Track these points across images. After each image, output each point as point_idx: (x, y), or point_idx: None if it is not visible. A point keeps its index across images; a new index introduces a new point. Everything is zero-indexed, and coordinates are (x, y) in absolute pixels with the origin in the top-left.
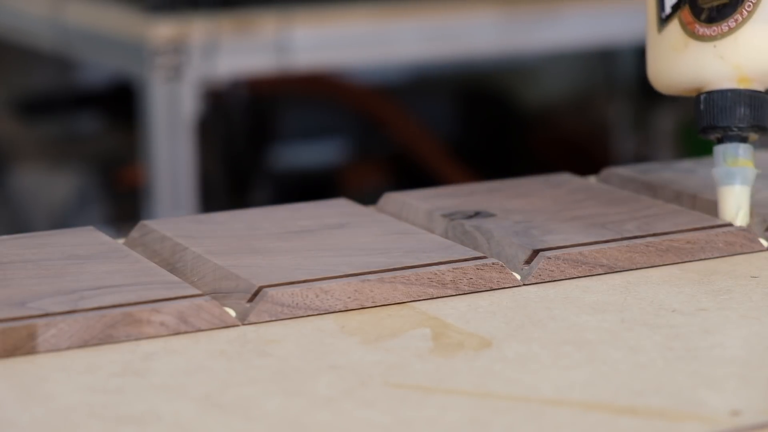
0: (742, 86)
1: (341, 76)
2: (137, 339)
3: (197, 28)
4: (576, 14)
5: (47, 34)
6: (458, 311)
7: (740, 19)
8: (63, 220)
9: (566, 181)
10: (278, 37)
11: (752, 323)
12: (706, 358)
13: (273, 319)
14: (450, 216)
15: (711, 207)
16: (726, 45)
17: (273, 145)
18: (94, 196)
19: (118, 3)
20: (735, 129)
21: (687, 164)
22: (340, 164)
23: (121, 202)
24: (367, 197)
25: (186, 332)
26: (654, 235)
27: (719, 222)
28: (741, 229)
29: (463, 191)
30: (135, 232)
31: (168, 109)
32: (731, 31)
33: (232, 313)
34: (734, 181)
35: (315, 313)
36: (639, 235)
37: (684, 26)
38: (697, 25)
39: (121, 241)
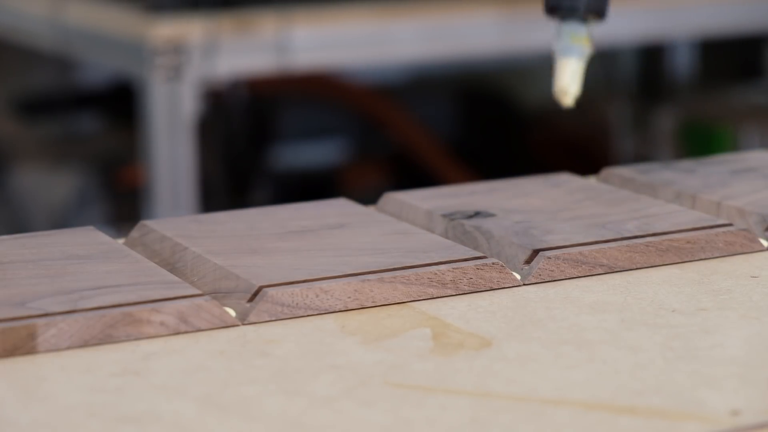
0: None
1: (341, 76)
2: (137, 339)
3: (197, 28)
4: None
5: (47, 34)
6: (458, 311)
7: None
8: (63, 220)
9: (566, 181)
10: (278, 37)
11: (752, 323)
12: (706, 358)
13: (273, 319)
14: (450, 216)
15: (711, 207)
16: None
17: (273, 145)
18: (94, 196)
19: (118, 3)
20: (577, 10)
21: (687, 164)
22: (340, 164)
23: (121, 202)
24: (367, 197)
25: (186, 332)
26: (654, 235)
27: (719, 222)
28: (741, 229)
29: (463, 191)
30: (135, 232)
31: (168, 109)
32: None
33: (232, 313)
34: (572, 54)
35: (315, 313)
36: (639, 235)
37: None
38: None
39: (121, 241)
